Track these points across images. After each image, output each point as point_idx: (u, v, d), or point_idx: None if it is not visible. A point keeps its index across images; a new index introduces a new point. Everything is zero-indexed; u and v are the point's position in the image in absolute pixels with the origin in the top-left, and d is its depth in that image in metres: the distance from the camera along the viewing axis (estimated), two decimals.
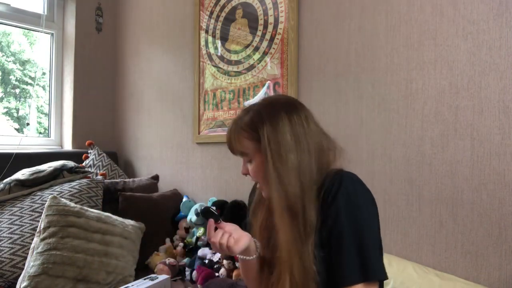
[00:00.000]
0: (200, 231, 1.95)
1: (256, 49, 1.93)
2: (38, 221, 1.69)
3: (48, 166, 1.96)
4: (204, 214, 0.91)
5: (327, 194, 0.81)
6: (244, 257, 0.91)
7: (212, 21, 2.15)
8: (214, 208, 0.96)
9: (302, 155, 0.84)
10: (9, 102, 2.68)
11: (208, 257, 1.81)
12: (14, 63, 2.67)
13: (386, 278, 0.79)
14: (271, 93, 1.86)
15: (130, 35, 2.75)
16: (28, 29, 2.60)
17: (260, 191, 0.95)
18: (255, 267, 0.95)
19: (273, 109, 0.88)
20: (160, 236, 2.05)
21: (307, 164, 0.84)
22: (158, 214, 2.08)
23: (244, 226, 1.97)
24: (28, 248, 1.64)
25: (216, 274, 1.67)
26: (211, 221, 0.88)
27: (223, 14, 2.09)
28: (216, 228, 0.88)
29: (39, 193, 1.85)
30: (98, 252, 1.55)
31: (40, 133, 2.73)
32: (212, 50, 2.15)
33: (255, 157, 0.88)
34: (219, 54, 2.12)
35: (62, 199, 1.66)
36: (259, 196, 0.98)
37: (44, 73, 2.73)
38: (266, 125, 0.85)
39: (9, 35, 2.62)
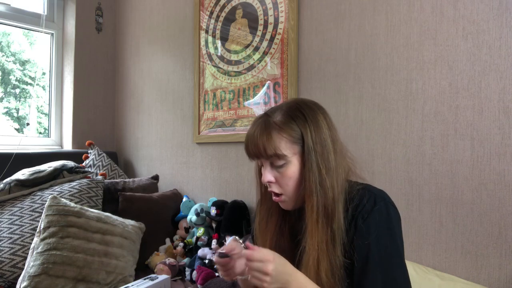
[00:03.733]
0: (200, 231, 1.95)
1: (256, 49, 1.93)
2: (38, 221, 1.69)
3: (48, 166, 1.96)
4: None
5: (359, 210, 0.80)
6: (242, 277, 0.88)
7: (212, 21, 2.15)
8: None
9: (338, 158, 0.83)
10: (9, 102, 2.68)
11: (208, 257, 1.81)
12: (14, 63, 2.67)
13: None
14: (271, 93, 1.86)
15: (130, 35, 2.75)
16: (28, 29, 2.60)
17: (269, 208, 0.92)
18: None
19: (311, 111, 0.85)
20: (160, 236, 2.05)
21: (341, 168, 0.84)
22: (158, 214, 2.08)
23: (244, 227, 1.96)
24: (28, 248, 1.64)
25: (216, 274, 1.67)
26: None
27: (223, 14, 2.09)
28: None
29: (39, 193, 1.85)
30: (98, 252, 1.55)
31: (40, 133, 2.73)
32: (212, 50, 2.15)
33: (292, 159, 0.82)
34: (219, 54, 2.12)
35: (62, 199, 1.66)
36: (266, 217, 0.93)
37: (44, 73, 2.73)
38: (309, 126, 0.82)
39: (9, 35, 2.62)
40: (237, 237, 0.78)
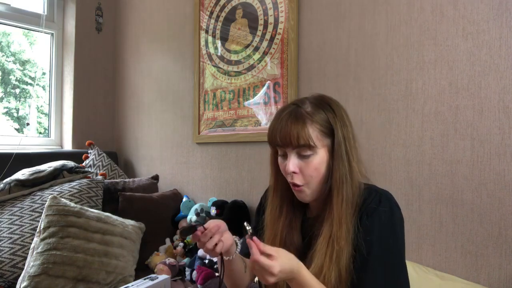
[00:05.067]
0: None
1: (256, 49, 1.93)
2: (38, 221, 1.69)
3: (48, 166, 1.96)
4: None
5: (364, 208, 0.82)
6: (228, 257, 0.88)
7: (212, 21, 2.15)
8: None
9: (357, 155, 0.86)
10: (9, 102, 2.68)
11: (208, 257, 1.81)
12: (14, 63, 2.67)
13: None
14: (271, 93, 1.86)
15: (130, 35, 2.75)
16: (28, 29, 2.60)
17: (281, 197, 0.92)
18: (238, 266, 0.94)
19: (337, 106, 0.87)
20: (160, 236, 2.05)
21: (360, 164, 0.86)
22: (158, 214, 2.08)
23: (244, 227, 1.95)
24: (28, 248, 1.64)
25: (216, 274, 1.67)
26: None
27: (223, 14, 2.09)
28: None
29: (39, 193, 1.85)
30: (98, 252, 1.55)
31: (40, 133, 2.73)
32: (212, 50, 2.15)
33: (320, 151, 0.83)
34: (219, 54, 2.12)
35: (62, 199, 1.66)
36: (280, 206, 0.93)
37: (44, 73, 2.73)
38: (338, 120, 0.84)
39: (9, 35, 2.62)
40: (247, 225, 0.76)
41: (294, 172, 0.83)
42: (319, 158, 0.83)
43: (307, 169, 0.83)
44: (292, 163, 0.83)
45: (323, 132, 0.83)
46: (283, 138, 0.83)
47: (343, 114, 0.87)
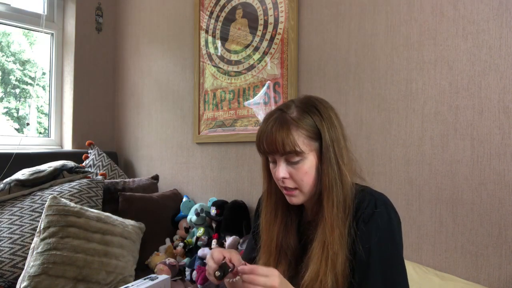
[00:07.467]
0: (200, 231, 1.95)
1: (256, 49, 1.93)
2: (38, 221, 1.69)
3: (48, 166, 1.96)
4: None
5: (360, 213, 0.80)
6: (232, 279, 0.88)
7: (212, 21, 2.15)
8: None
9: (349, 155, 0.85)
10: (9, 102, 2.68)
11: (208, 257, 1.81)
12: (14, 63, 2.67)
13: None
14: (271, 93, 1.86)
15: (130, 35, 2.75)
16: (28, 29, 2.60)
17: (275, 202, 0.91)
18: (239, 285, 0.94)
19: (324, 108, 0.85)
20: (160, 236, 2.05)
21: (352, 165, 0.85)
22: (158, 214, 2.08)
23: (244, 227, 1.96)
24: (28, 248, 1.64)
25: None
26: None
27: (223, 14, 2.09)
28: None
29: (39, 193, 1.85)
30: (98, 252, 1.55)
31: (40, 133, 2.73)
32: (212, 50, 2.15)
33: (309, 156, 0.82)
34: (219, 54, 2.12)
35: (62, 199, 1.66)
36: (274, 211, 0.92)
37: (44, 73, 2.73)
38: (325, 123, 0.82)
39: (9, 35, 2.62)
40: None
41: (284, 178, 0.83)
42: (309, 162, 0.82)
43: (297, 174, 0.82)
44: (282, 170, 0.82)
45: (310, 137, 0.81)
46: (269, 145, 0.82)
47: (331, 114, 0.85)
